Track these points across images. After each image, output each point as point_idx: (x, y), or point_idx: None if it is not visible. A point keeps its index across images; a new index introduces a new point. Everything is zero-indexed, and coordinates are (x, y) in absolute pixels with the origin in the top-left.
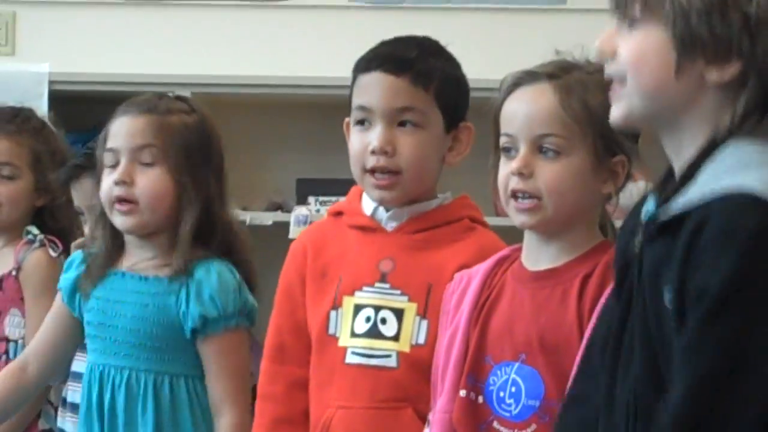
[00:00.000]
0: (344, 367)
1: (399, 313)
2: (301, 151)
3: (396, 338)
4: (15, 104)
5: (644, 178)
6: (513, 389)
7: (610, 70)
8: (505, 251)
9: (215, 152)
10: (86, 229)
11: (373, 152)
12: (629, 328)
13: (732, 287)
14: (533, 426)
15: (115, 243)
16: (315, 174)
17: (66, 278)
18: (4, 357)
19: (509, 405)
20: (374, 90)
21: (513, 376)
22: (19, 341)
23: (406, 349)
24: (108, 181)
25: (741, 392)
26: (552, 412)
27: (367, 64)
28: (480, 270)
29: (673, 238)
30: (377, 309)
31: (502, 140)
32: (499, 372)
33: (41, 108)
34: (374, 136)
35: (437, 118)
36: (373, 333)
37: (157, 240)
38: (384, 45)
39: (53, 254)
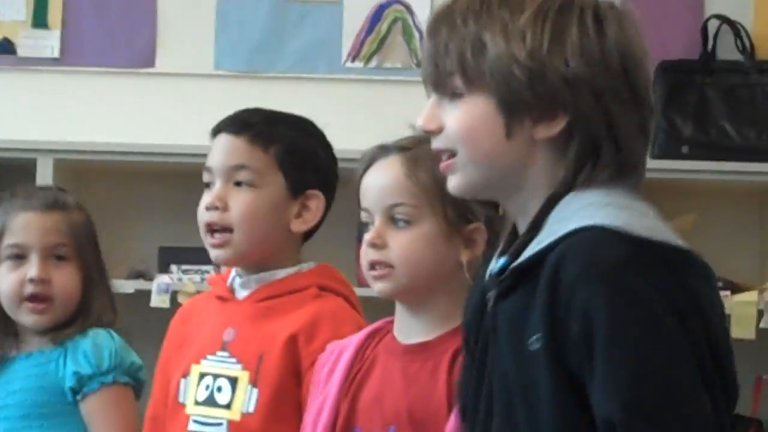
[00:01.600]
0: None
1: (233, 382)
2: (164, 219)
3: (228, 406)
4: None
5: None
6: None
7: (439, 144)
8: (378, 324)
9: (97, 238)
10: None
11: (207, 208)
12: (485, 389)
13: (615, 326)
14: None
15: (8, 335)
16: (178, 242)
17: None
18: None
19: None
20: (215, 151)
21: None
22: None
23: (237, 417)
24: (14, 277)
25: (672, 414)
26: None
27: (215, 128)
28: (352, 342)
29: (531, 287)
30: (215, 377)
31: (362, 215)
32: None
33: None
34: (209, 196)
35: (276, 180)
36: (210, 401)
37: (57, 327)
38: (237, 111)
39: None
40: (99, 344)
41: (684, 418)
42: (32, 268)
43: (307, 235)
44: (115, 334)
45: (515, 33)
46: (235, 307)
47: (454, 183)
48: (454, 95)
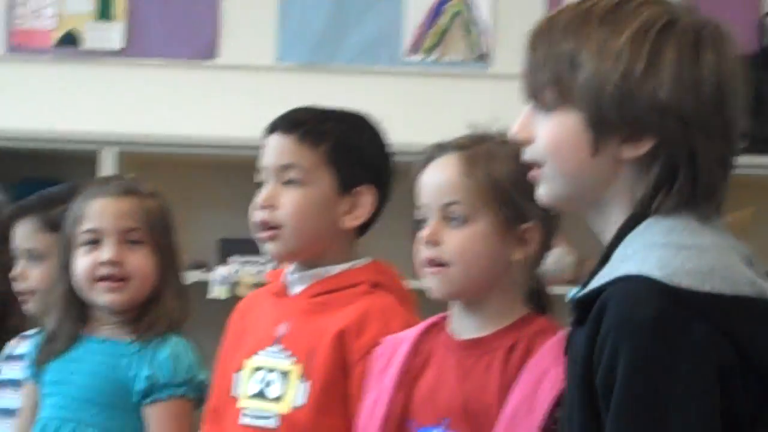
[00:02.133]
0: (238, 427)
1: (285, 376)
2: (225, 211)
3: (279, 400)
4: None
5: (565, 246)
6: None
7: (529, 155)
8: (435, 318)
9: (174, 228)
10: (14, 272)
11: (258, 207)
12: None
13: (630, 384)
14: None
15: (80, 317)
16: (238, 234)
17: (31, 366)
18: None
19: None
20: (267, 150)
21: None
22: None
23: (287, 411)
24: (89, 259)
25: None
26: None
27: (268, 128)
28: (408, 336)
29: (589, 321)
30: (268, 371)
31: (418, 212)
32: None
33: None
34: (261, 195)
35: (325, 178)
36: (261, 395)
37: (132, 313)
38: (289, 110)
39: None
40: (178, 355)
41: None
42: (106, 251)
43: (362, 229)
44: (191, 348)
45: (611, 53)
46: (290, 302)
47: (541, 193)
48: (548, 108)
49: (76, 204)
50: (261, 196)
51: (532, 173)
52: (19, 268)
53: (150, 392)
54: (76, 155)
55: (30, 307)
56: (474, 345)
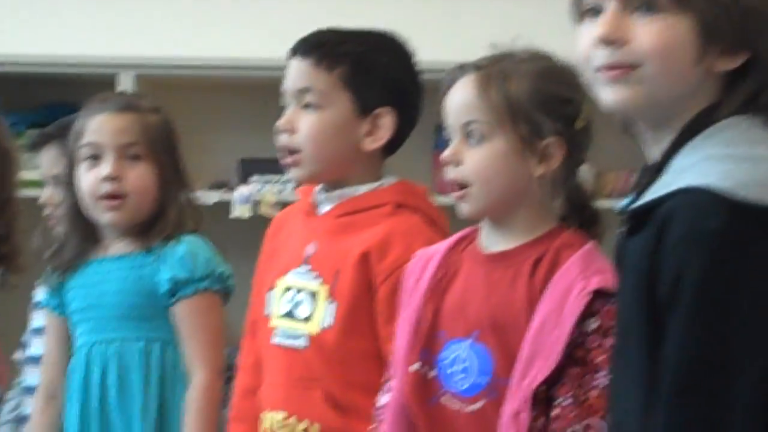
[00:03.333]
0: (270, 346)
1: (313, 296)
2: (244, 131)
3: (307, 320)
4: None
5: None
6: (464, 365)
7: (618, 57)
8: (465, 231)
9: (178, 143)
10: (43, 197)
11: (279, 132)
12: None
13: (702, 291)
14: (482, 402)
15: (89, 237)
16: (258, 153)
17: (48, 288)
18: None
19: (460, 380)
20: (287, 75)
21: (464, 352)
22: None
23: (315, 331)
24: (92, 176)
25: (727, 396)
26: (500, 390)
27: (289, 51)
28: (439, 249)
29: (648, 232)
30: (297, 291)
31: (446, 133)
32: (451, 347)
33: None
34: (281, 119)
35: (342, 100)
36: (291, 315)
37: (138, 228)
38: (309, 33)
39: None
40: (194, 251)
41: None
42: (104, 167)
43: (390, 150)
44: (207, 243)
45: None
46: (318, 221)
47: (620, 95)
48: (649, 9)
49: (77, 120)
50: (281, 120)
51: (618, 72)
52: (47, 194)
53: (174, 292)
54: (95, 79)
55: (60, 230)
56: (500, 258)
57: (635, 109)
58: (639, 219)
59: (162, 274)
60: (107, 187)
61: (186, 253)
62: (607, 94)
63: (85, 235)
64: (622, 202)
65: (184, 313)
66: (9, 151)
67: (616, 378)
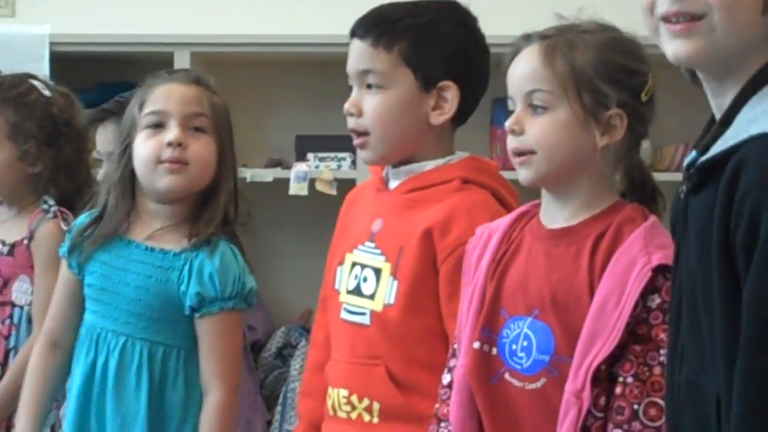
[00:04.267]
0: (338, 320)
1: (378, 273)
2: (301, 108)
3: (372, 297)
4: (15, 66)
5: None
6: (525, 343)
7: (683, 6)
8: (525, 207)
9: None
10: (99, 176)
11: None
12: (677, 281)
13: None
14: (543, 380)
15: (128, 210)
16: (314, 131)
17: (70, 241)
18: (8, 321)
19: (521, 358)
20: (349, 56)
21: (525, 330)
22: (25, 307)
23: (379, 308)
24: (153, 142)
25: None
26: (561, 368)
27: (350, 32)
28: (500, 225)
29: (717, 185)
30: (363, 267)
31: (508, 104)
32: (512, 325)
33: (42, 69)
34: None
35: (405, 77)
36: (357, 291)
37: (178, 209)
38: (368, 11)
39: (64, 227)
40: (225, 268)
41: None
42: (170, 133)
43: (459, 121)
44: (239, 255)
45: None
46: (386, 197)
47: (691, 48)
48: None
49: (140, 90)
50: (346, 103)
51: (687, 25)
52: (103, 171)
53: (200, 307)
54: (151, 58)
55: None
56: (562, 234)
57: (700, 62)
58: (706, 173)
59: (190, 288)
60: (171, 153)
61: (217, 270)
62: (673, 47)
63: (129, 210)
64: (687, 159)
65: (206, 330)
66: (85, 132)
67: (684, 337)
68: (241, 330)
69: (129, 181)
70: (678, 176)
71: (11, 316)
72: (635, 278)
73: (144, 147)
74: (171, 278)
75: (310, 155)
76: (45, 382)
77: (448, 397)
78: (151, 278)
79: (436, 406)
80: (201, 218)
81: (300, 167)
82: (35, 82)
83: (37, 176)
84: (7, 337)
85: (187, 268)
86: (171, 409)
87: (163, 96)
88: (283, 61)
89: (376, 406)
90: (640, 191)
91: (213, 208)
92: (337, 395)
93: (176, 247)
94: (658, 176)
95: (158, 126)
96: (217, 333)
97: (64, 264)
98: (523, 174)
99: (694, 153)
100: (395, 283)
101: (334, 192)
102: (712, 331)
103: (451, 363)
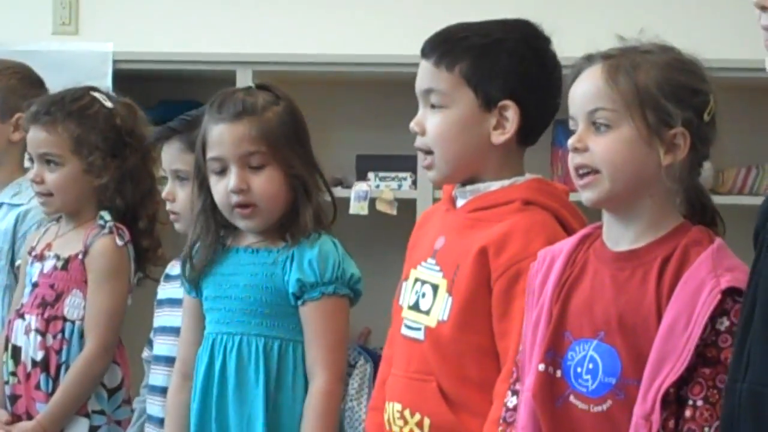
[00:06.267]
0: (399, 336)
1: (435, 289)
2: (362, 128)
3: (428, 312)
4: (78, 83)
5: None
6: (590, 366)
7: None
8: (588, 229)
9: (305, 130)
10: (164, 192)
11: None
12: (751, 293)
13: None
14: (609, 402)
15: (220, 230)
16: (375, 150)
17: (183, 277)
18: (60, 335)
19: (586, 381)
20: (417, 76)
21: (591, 352)
22: (77, 322)
23: (433, 324)
24: (221, 187)
25: None
26: (627, 390)
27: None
28: (564, 248)
29: None
30: (423, 283)
31: (570, 123)
32: (577, 348)
33: (105, 86)
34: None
35: (466, 97)
36: (416, 306)
37: (270, 230)
38: (435, 32)
39: (119, 243)
40: (324, 255)
41: None
42: (231, 181)
43: (527, 141)
44: (339, 244)
45: None
46: (452, 216)
47: None
48: None
49: (201, 128)
50: (412, 122)
51: None
52: (167, 188)
53: (302, 293)
54: (213, 76)
55: (179, 226)
56: (629, 257)
57: None
58: None
59: (291, 275)
60: (236, 199)
61: (316, 256)
62: None
63: (219, 232)
64: None
65: (309, 316)
66: (148, 141)
67: (753, 345)
68: (346, 316)
69: (210, 212)
70: (740, 199)
71: (63, 331)
72: (704, 301)
73: (216, 192)
74: (276, 272)
75: (370, 174)
76: (184, 415)
77: (514, 420)
78: (257, 275)
79: (500, 429)
80: (296, 223)
81: (360, 186)
82: (97, 95)
83: (103, 188)
84: (59, 352)
85: (289, 259)
86: (290, 404)
87: (218, 140)
88: (344, 80)
89: (426, 421)
90: (701, 215)
91: (297, 224)
92: (392, 409)
93: (279, 245)
94: (720, 199)
95: (222, 172)
96: (319, 318)
97: (185, 296)
98: (586, 195)
99: None
100: (450, 300)
101: (394, 212)
102: None
103: (516, 386)
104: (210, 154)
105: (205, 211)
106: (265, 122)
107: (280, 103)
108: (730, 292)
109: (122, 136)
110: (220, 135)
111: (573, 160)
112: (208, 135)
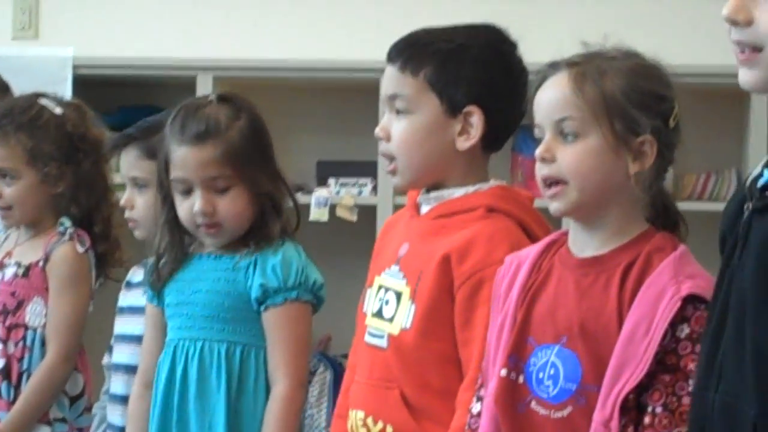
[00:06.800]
0: (362, 343)
1: (399, 296)
2: (322, 134)
3: (391, 320)
4: (38, 89)
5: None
6: (552, 371)
7: (743, 36)
8: (554, 235)
9: (269, 143)
10: (122, 200)
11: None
12: (722, 296)
13: None
14: (569, 408)
15: (185, 240)
16: (335, 156)
17: (146, 285)
18: (21, 343)
19: (547, 386)
20: (382, 81)
21: (553, 358)
22: (39, 329)
23: (396, 331)
24: (186, 206)
25: None
26: (588, 396)
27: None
28: (530, 254)
29: None
30: (386, 290)
31: (535, 131)
32: (540, 353)
33: (65, 92)
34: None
35: (431, 103)
36: (379, 313)
37: (235, 240)
38: (401, 37)
39: (80, 249)
40: (288, 260)
41: None
42: (196, 203)
43: (492, 147)
44: (302, 251)
45: None
46: (416, 222)
47: (749, 77)
48: None
49: (164, 144)
50: (377, 128)
51: (744, 56)
52: (126, 196)
53: (265, 299)
54: (174, 82)
55: (138, 233)
56: (592, 263)
57: (762, 91)
58: None
59: (254, 280)
60: (202, 220)
61: (279, 262)
62: (740, 74)
63: (184, 242)
64: (757, 178)
65: (272, 321)
66: (100, 142)
67: (725, 355)
68: (309, 323)
69: (174, 222)
70: (700, 205)
71: (24, 338)
72: (665, 307)
73: (180, 211)
74: (238, 277)
75: (331, 181)
76: (146, 424)
77: (478, 427)
78: (219, 281)
79: None
80: (263, 234)
81: (321, 193)
82: (45, 102)
83: (59, 196)
84: (20, 360)
85: (252, 265)
86: (251, 410)
87: (181, 163)
88: (304, 86)
89: (389, 429)
90: (663, 218)
91: (262, 235)
92: (355, 417)
93: (242, 251)
94: (680, 205)
95: (186, 192)
96: (282, 324)
97: (147, 305)
98: (554, 206)
99: (766, 173)
100: (413, 307)
101: (354, 218)
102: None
103: (481, 392)
104: (174, 174)
105: (169, 222)
106: (229, 143)
107: (242, 117)
108: (691, 299)
109: (74, 142)
110: (184, 158)
111: (540, 170)
112: (171, 155)
